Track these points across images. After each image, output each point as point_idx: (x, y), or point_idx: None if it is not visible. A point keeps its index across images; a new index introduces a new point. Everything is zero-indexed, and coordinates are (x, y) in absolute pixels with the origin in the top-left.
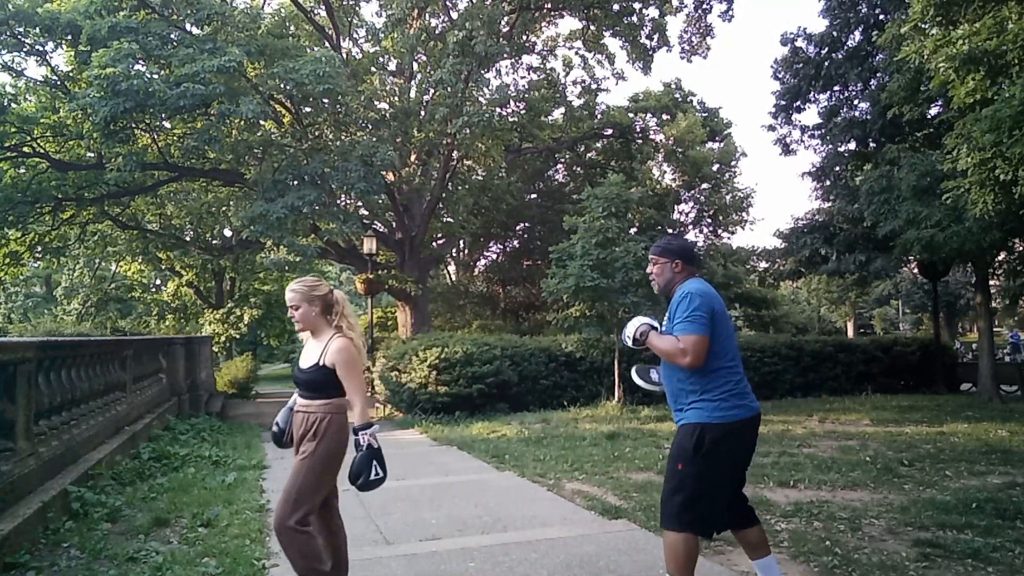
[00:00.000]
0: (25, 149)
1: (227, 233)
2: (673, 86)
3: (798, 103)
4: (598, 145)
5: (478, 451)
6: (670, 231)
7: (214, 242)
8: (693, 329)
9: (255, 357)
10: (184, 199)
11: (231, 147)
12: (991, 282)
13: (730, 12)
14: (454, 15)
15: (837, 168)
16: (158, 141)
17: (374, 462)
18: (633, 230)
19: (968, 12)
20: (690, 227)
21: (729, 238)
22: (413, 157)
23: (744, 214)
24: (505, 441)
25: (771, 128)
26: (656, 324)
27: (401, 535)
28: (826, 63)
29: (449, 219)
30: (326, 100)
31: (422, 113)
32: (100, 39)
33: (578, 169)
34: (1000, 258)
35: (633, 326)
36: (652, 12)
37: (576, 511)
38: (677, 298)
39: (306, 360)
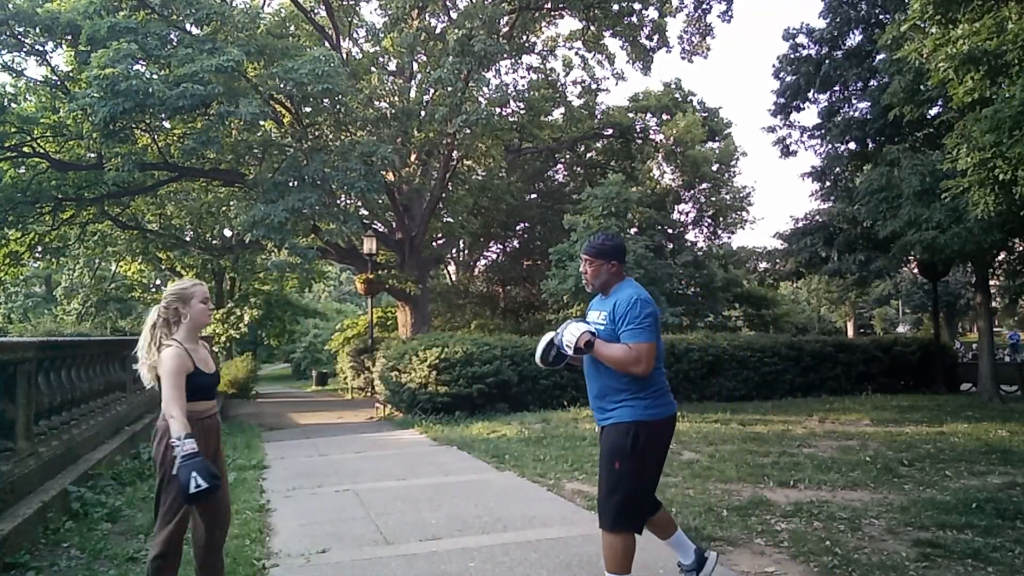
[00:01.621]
0: (25, 149)
1: (227, 233)
2: (673, 86)
3: (797, 102)
4: (598, 145)
5: (478, 451)
6: (670, 231)
7: (214, 242)
8: (646, 337)
9: (255, 357)
10: (184, 199)
11: (231, 147)
12: (991, 282)
13: (730, 12)
14: (454, 15)
15: (837, 169)
16: (158, 141)
17: None
18: (633, 230)
19: (967, 10)
20: (690, 227)
21: (729, 238)
22: (413, 157)
23: (744, 213)
24: (505, 441)
25: (771, 129)
26: (593, 329)
27: (401, 535)
28: (826, 62)
29: (449, 219)
30: (326, 100)
31: (422, 113)
32: (100, 39)
33: (578, 169)
34: (1000, 258)
35: (574, 334)
36: (652, 13)
37: (576, 511)
38: (624, 303)
39: (209, 364)
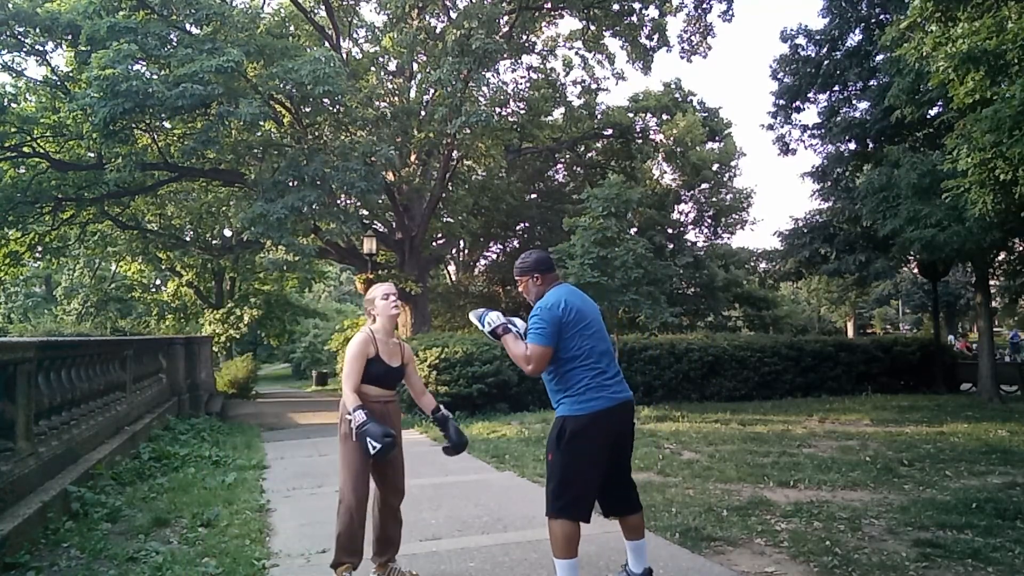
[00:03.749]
0: (25, 149)
1: (227, 233)
2: (673, 86)
3: (797, 102)
4: (598, 145)
5: (478, 451)
6: (670, 231)
7: (214, 242)
8: (538, 340)
9: (255, 357)
10: (184, 199)
11: (231, 147)
12: (991, 282)
13: (730, 12)
14: (453, 15)
15: (837, 168)
16: (158, 141)
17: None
18: (633, 230)
19: (967, 8)
20: (690, 227)
21: (729, 238)
22: (413, 157)
23: (744, 214)
24: (505, 441)
25: (770, 128)
26: (519, 326)
27: (401, 535)
28: (826, 62)
29: (449, 219)
30: (326, 100)
31: (422, 113)
32: (100, 39)
33: (578, 169)
34: (1000, 258)
35: (492, 321)
36: (652, 12)
37: None
38: (534, 311)
39: (394, 359)
